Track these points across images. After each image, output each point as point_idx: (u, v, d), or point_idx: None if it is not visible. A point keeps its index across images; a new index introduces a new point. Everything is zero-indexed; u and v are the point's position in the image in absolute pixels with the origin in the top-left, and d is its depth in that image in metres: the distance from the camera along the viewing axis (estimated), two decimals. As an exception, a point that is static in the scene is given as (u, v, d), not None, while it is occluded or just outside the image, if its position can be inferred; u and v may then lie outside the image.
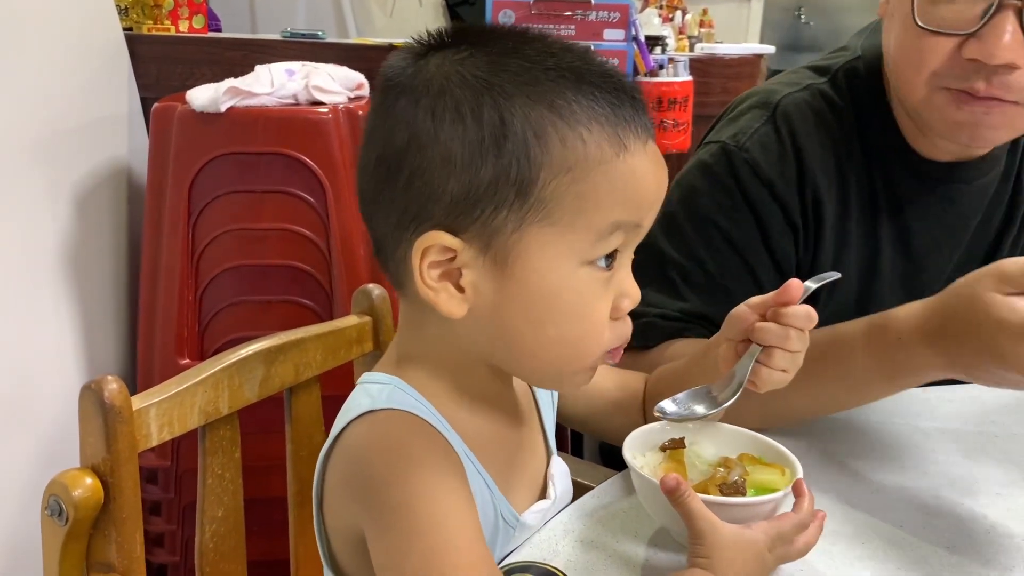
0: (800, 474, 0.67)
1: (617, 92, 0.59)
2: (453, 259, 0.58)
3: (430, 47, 0.60)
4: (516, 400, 0.71)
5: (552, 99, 0.57)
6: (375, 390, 0.62)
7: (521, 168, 0.56)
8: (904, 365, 0.75)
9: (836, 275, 0.72)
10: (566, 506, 0.75)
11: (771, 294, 0.69)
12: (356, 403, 0.62)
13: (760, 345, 0.68)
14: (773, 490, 0.66)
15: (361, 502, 0.58)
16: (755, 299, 0.70)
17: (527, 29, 0.61)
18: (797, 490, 0.65)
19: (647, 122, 0.60)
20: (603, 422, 0.83)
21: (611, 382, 0.82)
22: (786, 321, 0.67)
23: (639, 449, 0.71)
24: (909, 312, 0.75)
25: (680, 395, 0.71)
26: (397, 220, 0.59)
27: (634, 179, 0.59)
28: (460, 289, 0.59)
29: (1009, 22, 0.78)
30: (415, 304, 0.61)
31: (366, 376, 0.65)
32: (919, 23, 0.82)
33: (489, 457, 0.65)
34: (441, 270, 0.58)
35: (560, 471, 0.74)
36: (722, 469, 0.68)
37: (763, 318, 0.69)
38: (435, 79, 0.57)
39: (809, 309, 0.67)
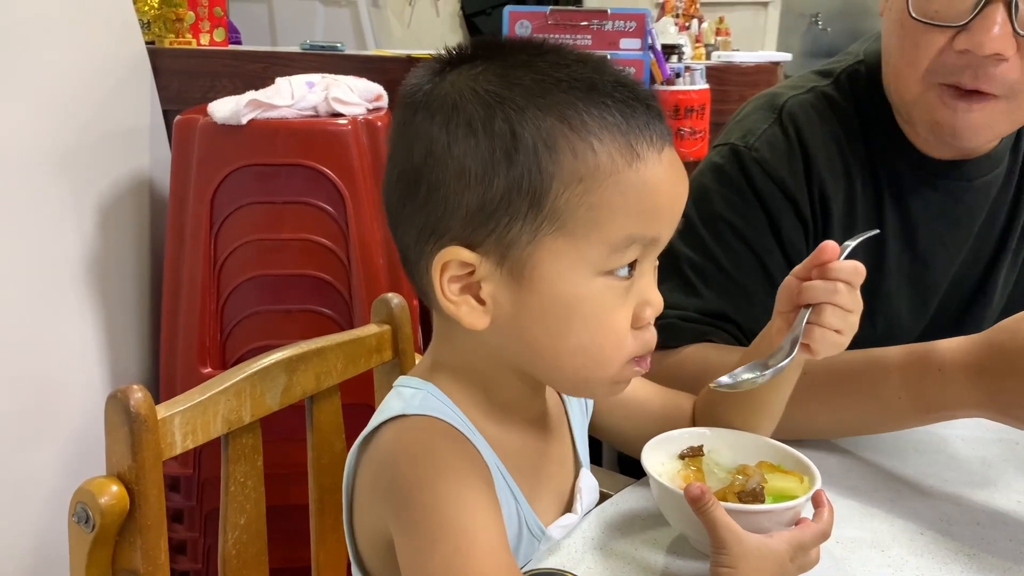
0: (819, 482, 0.67)
1: (630, 101, 0.59)
2: (472, 273, 0.59)
3: (448, 63, 0.61)
4: (547, 411, 0.72)
5: (563, 110, 0.57)
6: (408, 394, 0.63)
7: (533, 179, 0.56)
8: (939, 398, 0.76)
9: (875, 231, 0.71)
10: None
11: (809, 257, 0.67)
12: (389, 406, 0.63)
13: (810, 305, 0.67)
14: (791, 497, 0.66)
15: (389, 503, 0.59)
16: (799, 267, 0.69)
17: (543, 41, 0.62)
18: (817, 500, 0.65)
19: (663, 130, 0.60)
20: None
21: (657, 402, 0.79)
22: (832, 275, 0.66)
23: (658, 456, 0.71)
24: (953, 345, 0.76)
25: (737, 369, 0.69)
26: (417, 234, 0.60)
27: (647, 190, 0.58)
28: (481, 301, 0.60)
29: (999, 14, 0.80)
30: (442, 315, 0.62)
31: (401, 380, 0.66)
32: (913, 15, 0.84)
33: (517, 467, 0.65)
34: (461, 284, 0.59)
35: (588, 485, 0.74)
36: (740, 476, 0.68)
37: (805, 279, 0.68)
38: (449, 95, 0.58)
39: (856, 263, 0.66)
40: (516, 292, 0.59)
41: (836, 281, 0.66)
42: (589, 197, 0.57)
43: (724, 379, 0.68)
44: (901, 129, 0.96)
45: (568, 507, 0.72)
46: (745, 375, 0.68)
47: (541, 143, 0.56)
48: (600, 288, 0.59)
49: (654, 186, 0.59)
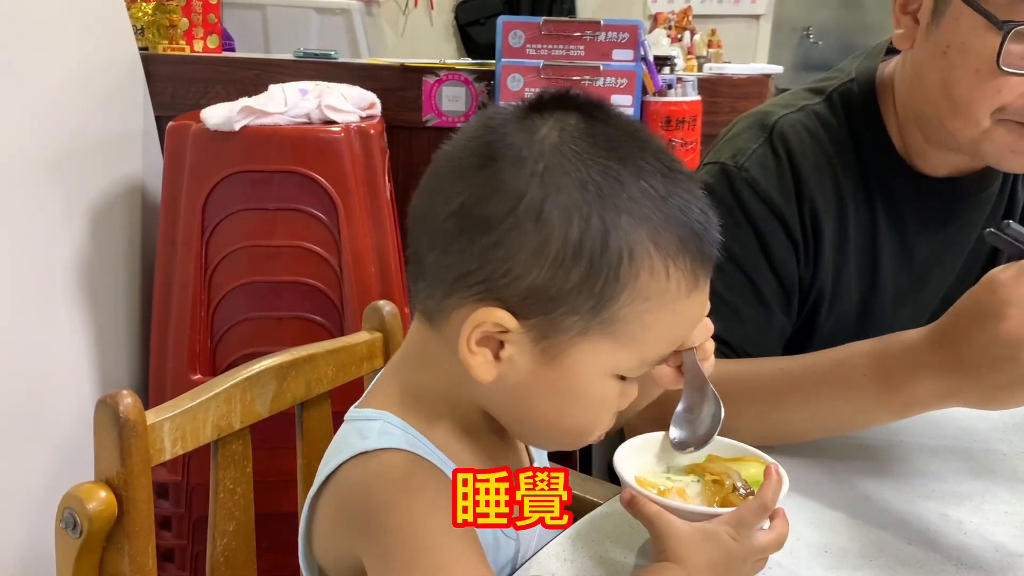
0: (771, 460, 0.69)
1: (709, 226, 0.59)
2: (503, 332, 0.58)
3: (538, 107, 0.60)
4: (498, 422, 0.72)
5: (655, 227, 0.57)
6: (365, 428, 0.62)
7: (607, 284, 0.56)
8: (901, 367, 0.75)
9: None
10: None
11: None
12: (347, 443, 0.62)
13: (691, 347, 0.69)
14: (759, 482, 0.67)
15: (360, 532, 0.59)
16: None
17: (644, 126, 0.61)
18: (767, 474, 0.67)
19: (716, 255, 0.61)
20: None
21: None
22: None
23: (637, 466, 0.71)
24: (919, 329, 0.76)
25: (681, 436, 0.71)
26: (460, 275, 0.58)
27: (692, 319, 0.61)
28: (497, 358, 0.59)
29: None
30: (439, 342, 0.62)
31: (354, 413, 0.66)
32: (1004, 68, 0.81)
33: None
34: (485, 336, 0.58)
35: None
36: (736, 481, 0.69)
37: None
38: (554, 167, 0.56)
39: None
40: (538, 366, 0.59)
41: None
42: (647, 316, 0.58)
43: (686, 446, 0.71)
44: (895, 147, 0.96)
45: None
46: (693, 437, 0.70)
47: (627, 253, 0.56)
48: (611, 386, 0.61)
49: (697, 313, 0.62)
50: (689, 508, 0.65)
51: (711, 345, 0.70)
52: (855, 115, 0.97)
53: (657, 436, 0.74)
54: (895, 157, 0.96)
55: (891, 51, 1.00)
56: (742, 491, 0.67)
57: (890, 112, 0.96)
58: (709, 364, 0.70)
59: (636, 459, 0.72)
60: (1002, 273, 0.70)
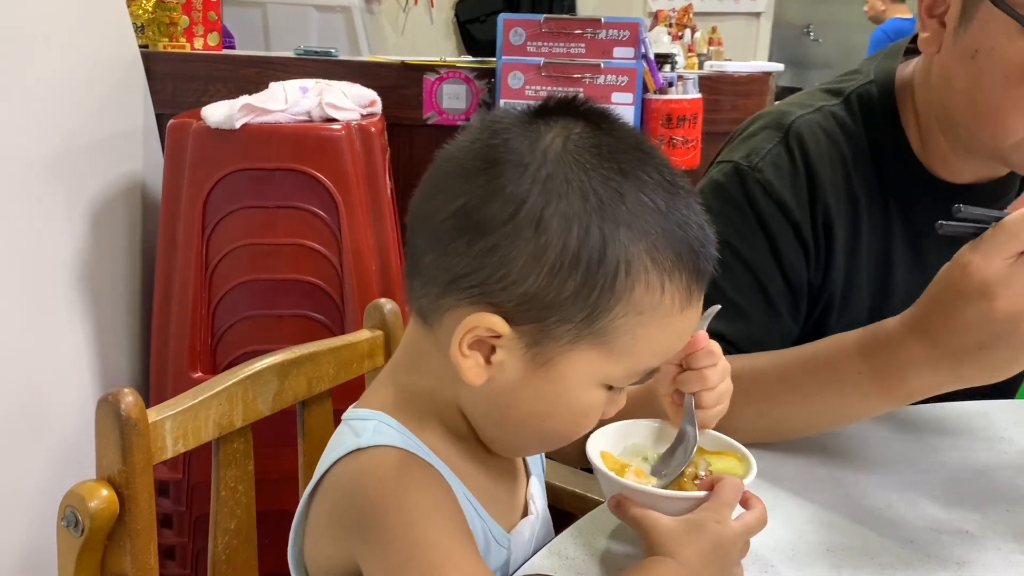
0: (753, 461, 0.69)
1: (706, 243, 0.60)
2: (495, 337, 0.58)
3: (545, 112, 0.60)
4: None
5: (653, 241, 0.57)
6: (360, 427, 0.63)
7: (602, 295, 0.56)
8: (892, 364, 0.75)
9: (717, 307, 0.72)
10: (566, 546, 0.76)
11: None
12: (341, 441, 0.63)
13: (689, 392, 0.71)
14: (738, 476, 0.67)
15: (355, 531, 0.59)
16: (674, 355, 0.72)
17: (647, 139, 0.61)
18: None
19: (712, 272, 0.61)
20: None
21: None
22: (695, 365, 0.70)
23: (598, 452, 0.72)
24: (895, 321, 0.77)
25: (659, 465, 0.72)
26: (456, 277, 0.58)
27: (682, 334, 0.62)
28: (487, 361, 0.59)
29: None
30: (431, 342, 0.62)
31: (350, 413, 0.66)
32: None
33: (474, 484, 0.66)
34: (477, 339, 0.59)
35: (538, 491, 0.76)
36: (698, 470, 0.69)
37: (681, 367, 0.71)
38: (556, 175, 0.56)
39: (709, 347, 0.70)
40: (528, 373, 0.59)
41: (703, 370, 0.69)
42: (639, 329, 0.58)
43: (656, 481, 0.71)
44: (914, 151, 0.94)
45: (524, 512, 0.74)
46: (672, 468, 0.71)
47: (624, 267, 0.56)
48: (598, 395, 0.62)
49: (688, 329, 0.62)
50: (658, 492, 0.65)
51: (714, 399, 0.70)
52: (873, 117, 0.95)
53: (635, 423, 0.74)
54: (913, 161, 0.94)
55: (909, 52, 0.98)
56: (701, 479, 0.68)
57: (909, 115, 0.95)
58: (713, 413, 0.71)
59: (611, 445, 0.73)
60: (970, 254, 0.70)
